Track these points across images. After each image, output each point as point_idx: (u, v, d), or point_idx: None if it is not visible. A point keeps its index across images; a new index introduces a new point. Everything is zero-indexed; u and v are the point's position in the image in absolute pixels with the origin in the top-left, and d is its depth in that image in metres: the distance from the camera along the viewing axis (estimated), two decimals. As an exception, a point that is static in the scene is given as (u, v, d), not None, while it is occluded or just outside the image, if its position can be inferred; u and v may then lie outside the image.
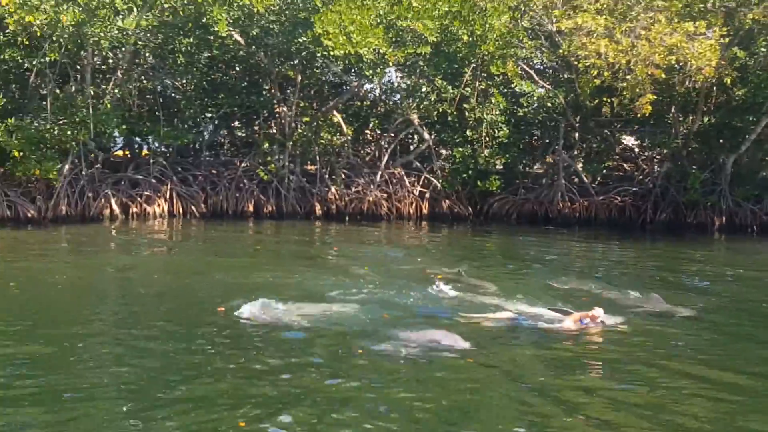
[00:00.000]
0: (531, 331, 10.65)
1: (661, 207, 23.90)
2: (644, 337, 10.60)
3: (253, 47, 22.30)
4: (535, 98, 23.02)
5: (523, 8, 21.83)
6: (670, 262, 18.33)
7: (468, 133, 23.48)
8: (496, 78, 22.89)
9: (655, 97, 20.78)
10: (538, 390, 8.35)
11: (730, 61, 21.02)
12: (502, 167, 24.59)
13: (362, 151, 25.79)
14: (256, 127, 24.91)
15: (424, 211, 24.68)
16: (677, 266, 17.61)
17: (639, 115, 21.00)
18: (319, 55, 20.90)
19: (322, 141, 24.05)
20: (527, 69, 23.05)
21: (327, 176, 24.45)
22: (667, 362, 9.50)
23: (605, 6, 21.00)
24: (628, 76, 20.40)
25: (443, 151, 24.97)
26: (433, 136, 24.54)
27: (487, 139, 23.25)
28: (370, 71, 21.23)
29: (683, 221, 23.63)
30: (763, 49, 21.32)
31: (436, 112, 23.44)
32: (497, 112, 22.99)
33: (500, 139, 23.35)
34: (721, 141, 23.72)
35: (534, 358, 9.61)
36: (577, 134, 24.68)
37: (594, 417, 7.64)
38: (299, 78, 23.41)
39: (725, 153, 23.46)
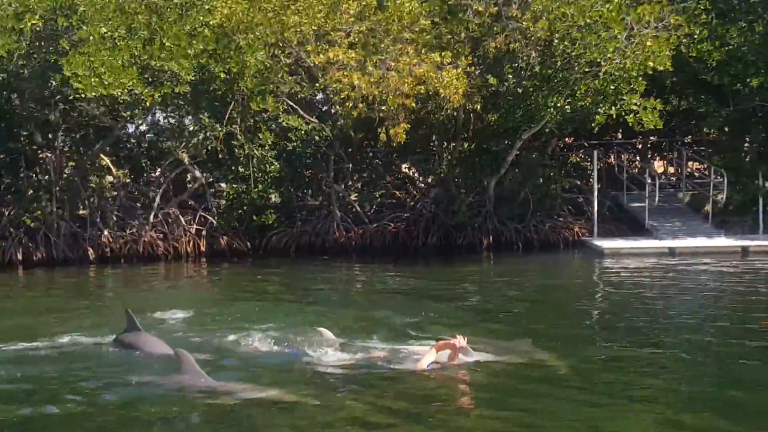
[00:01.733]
0: (393, 373, 9.46)
1: (432, 231, 24.80)
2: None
3: (4, 92, 21.69)
4: (303, 132, 23.35)
5: (281, 44, 22.19)
6: (448, 282, 19.10)
7: (240, 169, 23.57)
8: (263, 114, 23.11)
9: (409, 126, 21.57)
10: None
11: (479, 89, 22.12)
12: (279, 201, 24.86)
13: (136, 193, 25.42)
14: (21, 174, 24.11)
15: (203, 248, 24.56)
16: (454, 285, 18.44)
17: (395, 144, 21.78)
18: (71, 97, 20.50)
19: (92, 185, 23.61)
20: (292, 104, 23.40)
21: (99, 220, 23.96)
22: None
23: (357, 40, 21.70)
24: (383, 107, 21.14)
25: (219, 188, 25.00)
26: (205, 174, 24.52)
27: (259, 174, 23.40)
28: (128, 112, 21.05)
29: (453, 243, 24.64)
30: (510, 76, 22.50)
31: (205, 150, 23.48)
32: (267, 148, 23.18)
33: (272, 174, 23.54)
34: (482, 165, 24.85)
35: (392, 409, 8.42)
36: (349, 165, 25.28)
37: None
38: (60, 122, 22.91)
39: (487, 176, 24.63)
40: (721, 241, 23.90)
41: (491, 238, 24.71)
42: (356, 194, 25.74)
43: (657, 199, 26.20)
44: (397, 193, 26.38)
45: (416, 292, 17.65)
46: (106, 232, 23.86)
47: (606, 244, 23.77)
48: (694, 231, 25.08)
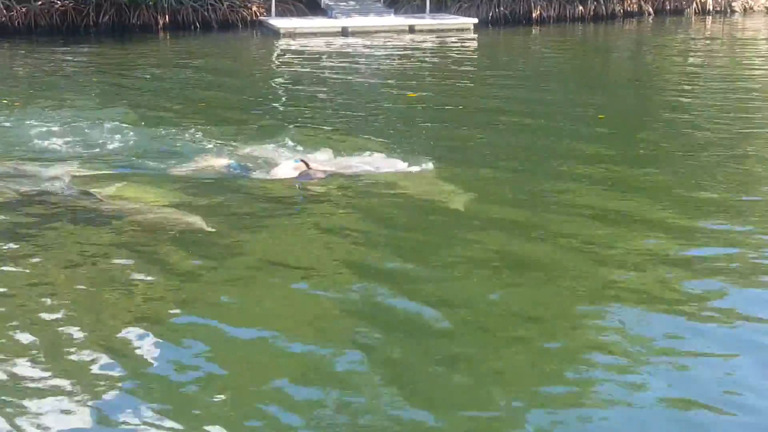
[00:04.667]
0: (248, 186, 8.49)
1: (104, 9, 23.46)
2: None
3: None
4: None
5: None
6: (122, 63, 18.52)
7: None
8: None
9: None
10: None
11: None
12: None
13: None
14: None
15: None
16: (133, 68, 17.84)
17: None
18: None
19: None
20: None
21: None
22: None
23: None
24: None
25: None
26: None
27: None
28: None
29: (127, 22, 23.61)
30: None
31: None
32: None
33: None
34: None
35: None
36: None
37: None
38: None
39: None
40: (391, 20, 25.53)
41: (167, 17, 23.96)
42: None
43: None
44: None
45: (99, 75, 16.94)
46: None
47: (282, 23, 24.18)
48: (367, 10, 26.30)
